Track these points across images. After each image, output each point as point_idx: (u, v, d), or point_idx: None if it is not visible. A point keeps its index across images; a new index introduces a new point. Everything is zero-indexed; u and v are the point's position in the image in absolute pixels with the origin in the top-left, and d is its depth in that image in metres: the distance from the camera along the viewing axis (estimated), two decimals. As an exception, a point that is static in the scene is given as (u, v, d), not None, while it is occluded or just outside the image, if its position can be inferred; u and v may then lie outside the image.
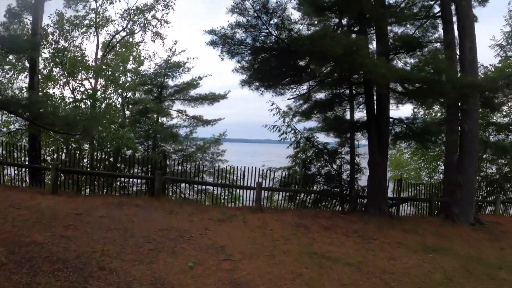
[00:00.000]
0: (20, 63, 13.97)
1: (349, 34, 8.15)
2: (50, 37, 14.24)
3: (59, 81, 14.17)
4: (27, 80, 12.12)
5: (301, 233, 6.58)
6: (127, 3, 19.36)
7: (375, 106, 8.59)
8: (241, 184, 9.48)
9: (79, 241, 5.20)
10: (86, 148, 12.86)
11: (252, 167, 9.53)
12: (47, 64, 13.91)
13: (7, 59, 11.80)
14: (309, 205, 10.29)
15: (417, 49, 8.97)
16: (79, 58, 14.34)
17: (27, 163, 9.57)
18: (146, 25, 16.43)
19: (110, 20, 16.03)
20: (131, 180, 10.12)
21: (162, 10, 16.32)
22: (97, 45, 15.95)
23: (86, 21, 15.32)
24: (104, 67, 13.80)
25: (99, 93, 13.78)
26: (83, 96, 12.92)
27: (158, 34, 16.70)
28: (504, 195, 13.42)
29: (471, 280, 5.25)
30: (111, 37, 16.21)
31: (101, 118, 10.86)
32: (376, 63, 6.36)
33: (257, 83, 8.88)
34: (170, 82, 13.68)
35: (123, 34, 16.54)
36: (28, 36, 11.39)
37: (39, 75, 13.81)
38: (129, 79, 15.46)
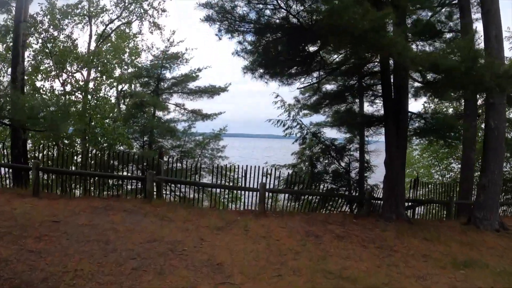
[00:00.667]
0: (9, 54, 13.20)
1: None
2: (40, 25, 13.36)
3: (49, 74, 13.31)
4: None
5: (311, 244, 5.73)
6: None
7: (393, 98, 7.66)
8: (243, 185, 8.59)
9: (50, 257, 4.39)
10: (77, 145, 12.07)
11: (254, 166, 8.61)
12: (35, 55, 13.06)
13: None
14: (315, 204, 9.45)
15: (438, 35, 8.08)
16: (71, 49, 13.45)
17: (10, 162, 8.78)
18: (143, 14, 15.57)
19: (104, 9, 15.15)
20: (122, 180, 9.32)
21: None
22: (90, 35, 15.10)
23: (78, 10, 14.43)
24: (95, 56, 12.86)
25: (91, 84, 12.88)
26: (73, 89, 12.03)
27: (156, 25, 15.87)
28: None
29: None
30: (104, 26, 15.33)
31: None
32: (405, 45, 5.45)
33: (261, 70, 7.89)
34: (168, 74, 13.01)
35: (118, 23, 15.67)
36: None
37: (28, 67, 12.96)
38: (124, 71, 14.68)
